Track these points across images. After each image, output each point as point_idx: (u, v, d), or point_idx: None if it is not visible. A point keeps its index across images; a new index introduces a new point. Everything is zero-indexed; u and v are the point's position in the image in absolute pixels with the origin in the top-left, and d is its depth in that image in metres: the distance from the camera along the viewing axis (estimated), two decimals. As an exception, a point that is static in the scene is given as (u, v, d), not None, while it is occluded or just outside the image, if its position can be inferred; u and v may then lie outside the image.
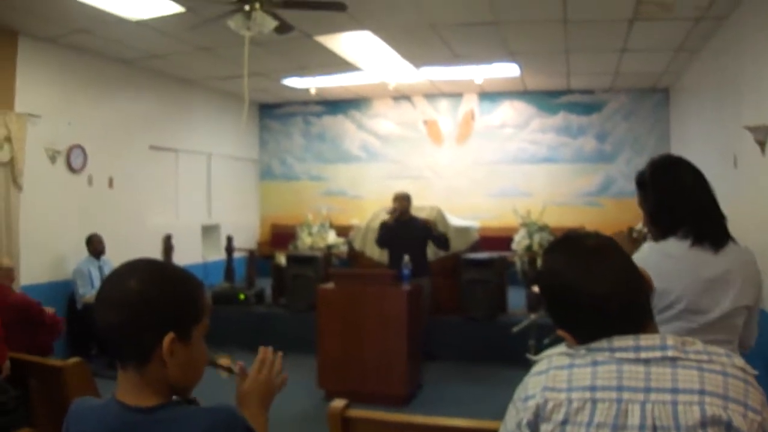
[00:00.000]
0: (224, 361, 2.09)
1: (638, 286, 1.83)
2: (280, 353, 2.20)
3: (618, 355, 1.69)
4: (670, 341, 1.68)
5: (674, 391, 1.61)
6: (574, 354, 1.77)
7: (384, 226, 9.14)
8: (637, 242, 3.55)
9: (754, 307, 3.11)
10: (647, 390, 1.63)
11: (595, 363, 1.71)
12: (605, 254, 1.86)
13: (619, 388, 1.65)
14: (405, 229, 8.95)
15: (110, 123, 11.00)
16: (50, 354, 7.10)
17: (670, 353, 1.66)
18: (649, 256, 3.10)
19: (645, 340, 1.69)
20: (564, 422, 1.68)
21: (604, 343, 1.72)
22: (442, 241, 9.21)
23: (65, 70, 10.04)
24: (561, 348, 1.84)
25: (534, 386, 1.78)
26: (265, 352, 2.16)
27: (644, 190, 3.30)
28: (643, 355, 1.67)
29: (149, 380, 1.71)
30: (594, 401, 1.66)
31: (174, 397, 1.78)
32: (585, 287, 1.78)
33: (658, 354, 1.66)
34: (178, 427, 1.67)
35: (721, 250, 3.02)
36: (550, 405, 1.71)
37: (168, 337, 1.68)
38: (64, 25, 8.89)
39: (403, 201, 9.04)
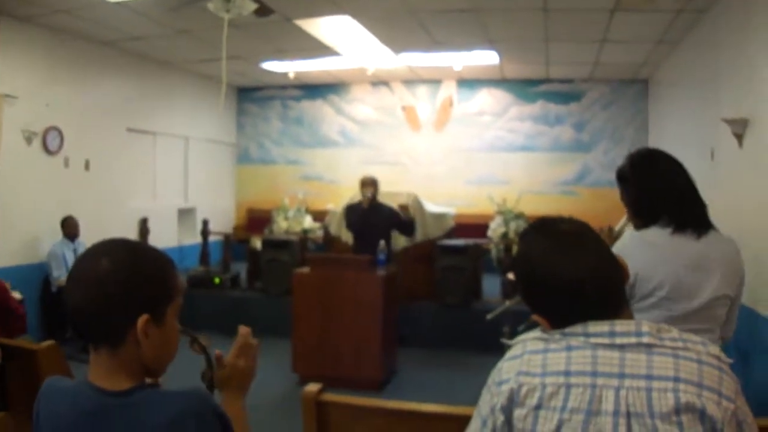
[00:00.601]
0: (203, 340, 2.08)
1: (613, 271, 1.83)
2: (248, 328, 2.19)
3: (593, 340, 1.69)
4: (645, 328, 1.68)
5: (649, 377, 1.61)
6: (549, 339, 1.77)
7: (353, 211, 9.08)
8: (616, 241, 3.58)
9: (736, 299, 3.13)
10: (621, 376, 1.63)
11: (569, 348, 1.71)
12: (580, 239, 1.87)
13: (594, 374, 1.65)
14: (373, 214, 8.90)
15: (87, 105, 10.93)
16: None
17: (645, 340, 1.66)
18: (629, 244, 3.13)
19: (620, 326, 1.70)
20: (538, 407, 1.68)
21: (579, 329, 1.72)
22: (409, 227, 9.17)
23: (43, 50, 9.96)
24: (536, 333, 1.84)
25: (508, 371, 1.78)
26: (244, 337, 2.14)
27: (625, 183, 3.34)
28: (618, 341, 1.67)
29: (122, 362, 1.71)
30: (568, 386, 1.66)
31: (147, 380, 1.78)
32: (559, 271, 1.79)
33: (633, 340, 1.66)
34: (150, 411, 1.65)
35: (703, 238, 3.05)
36: (524, 389, 1.71)
37: (142, 319, 1.67)
38: (43, 5, 8.80)
39: (372, 186, 8.97)
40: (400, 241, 9.74)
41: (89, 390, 1.70)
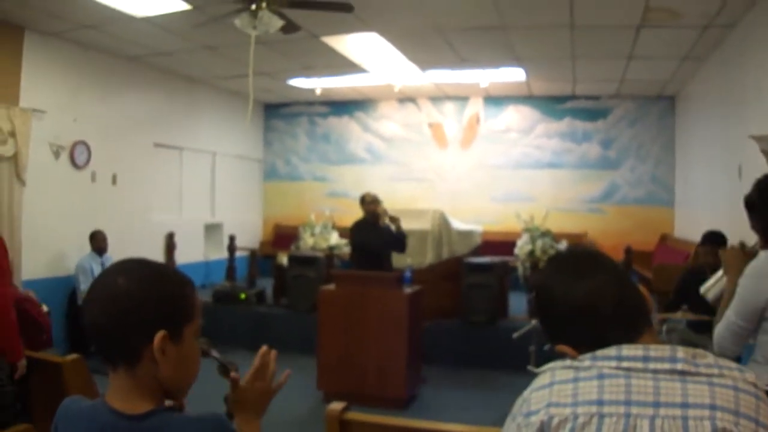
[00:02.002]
0: (230, 366, 2.07)
1: (629, 292, 1.81)
2: (274, 351, 2.15)
3: (626, 364, 1.65)
4: (680, 354, 1.64)
5: (684, 405, 1.57)
6: (579, 366, 1.72)
7: (365, 229, 8.99)
8: (751, 257, 3.54)
9: None
10: (656, 404, 1.59)
11: (601, 376, 1.66)
12: (593, 263, 1.86)
13: (627, 403, 1.61)
14: (382, 231, 8.87)
15: (115, 119, 11.04)
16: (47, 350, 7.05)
17: (679, 366, 1.62)
18: (764, 266, 3.12)
19: (655, 350, 1.66)
20: None
21: (612, 351, 1.68)
22: (401, 241, 8.99)
23: (71, 65, 10.07)
24: (564, 361, 1.79)
25: (537, 402, 1.73)
26: (264, 357, 2.11)
27: (754, 210, 3.33)
28: (652, 365, 1.63)
29: (140, 382, 1.69)
30: (601, 416, 1.61)
31: (166, 402, 1.77)
32: (573, 293, 1.78)
33: (667, 366, 1.63)
34: None
35: None
36: (555, 421, 1.66)
37: (159, 335, 1.66)
38: (70, 20, 8.91)
39: (379, 203, 8.91)
40: (427, 257, 9.74)
41: (106, 412, 1.69)
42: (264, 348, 2.14)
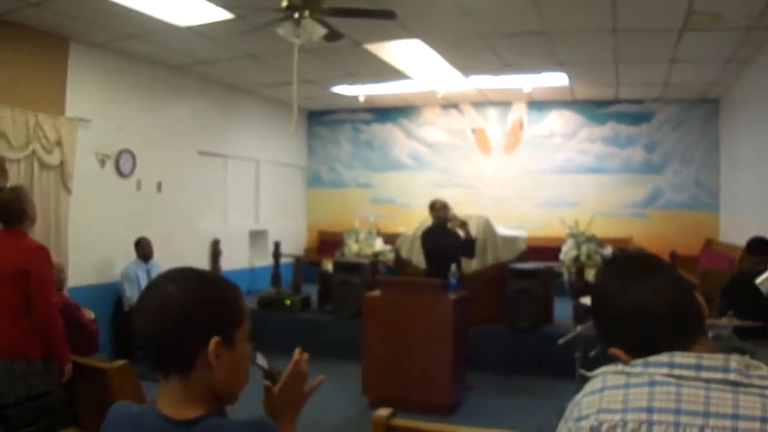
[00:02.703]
0: (261, 359, 2.09)
1: (683, 296, 1.79)
2: (306, 355, 2.17)
3: (677, 372, 1.64)
4: (733, 364, 1.62)
5: (735, 417, 1.55)
6: (630, 372, 1.71)
7: (431, 235, 8.97)
8: None
9: None
10: (706, 414, 1.57)
11: (652, 383, 1.65)
12: (648, 266, 1.85)
13: (677, 411, 1.59)
14: (449, 237, 8.85)
15: (159, 128, 11.17)
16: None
17: (731, 376, 1.60)
18: None
19: (707, 359, 1.64)
20: None
21: (664, 358, 1.67)
22: (469, 245, 8.93)
23: (115, 75, 10.21)
24: (617, 366, 1.78)
25: (588, 406, 1.73)
26: (297, 363, 2.14)
27: None
28: (704, 374, 1.62)
29: (193, 389, 1.71)
30: (650, 423, 1.60)
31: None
32: (627, 295, 1.78)
33: (719, 375, 1.61)
34: None
35: None
36: (604, 426, 1.65)
37: (214, 341, 1.68)
38: (115, 31, 9.02)
39: (449, 209, 8.92)
40: (472, 263, 9.72)
41: (155, 417, 1.71)
42: (297, 352, 2.17)
